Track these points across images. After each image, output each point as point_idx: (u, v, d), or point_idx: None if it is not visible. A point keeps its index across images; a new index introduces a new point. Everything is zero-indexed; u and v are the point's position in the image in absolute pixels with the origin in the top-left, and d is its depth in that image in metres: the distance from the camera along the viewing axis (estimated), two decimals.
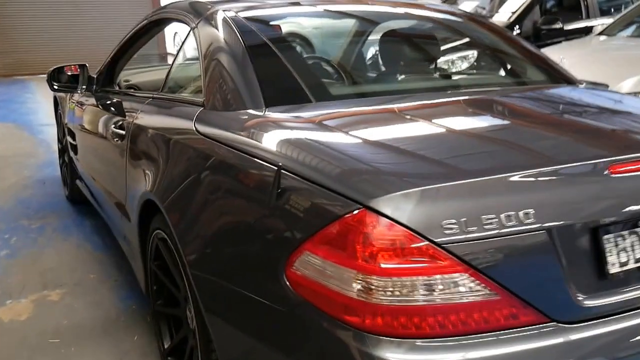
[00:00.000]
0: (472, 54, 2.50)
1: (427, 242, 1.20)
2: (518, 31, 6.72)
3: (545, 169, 1.34)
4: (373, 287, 1.20)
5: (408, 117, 1.82)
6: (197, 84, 2.16)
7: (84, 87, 3.15)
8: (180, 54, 2.53)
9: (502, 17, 7.06)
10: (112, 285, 2.99)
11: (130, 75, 3.52)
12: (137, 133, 2.35)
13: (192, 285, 1.72)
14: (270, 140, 1.61)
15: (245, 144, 1.64)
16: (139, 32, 2.96)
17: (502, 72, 2.46)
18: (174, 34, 13.99)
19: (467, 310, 1.21)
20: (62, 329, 2.60)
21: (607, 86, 2.37)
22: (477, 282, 1.21)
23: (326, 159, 1.44)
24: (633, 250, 1.36)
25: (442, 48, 2.49)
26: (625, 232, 1.36)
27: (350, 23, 2.69)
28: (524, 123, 1.77)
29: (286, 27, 2.48)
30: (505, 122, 1.83)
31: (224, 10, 2.20)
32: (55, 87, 3.19)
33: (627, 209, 1.36)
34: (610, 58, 4.82)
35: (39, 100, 9.17)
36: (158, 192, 2.00)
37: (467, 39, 2.61)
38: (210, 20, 2.20)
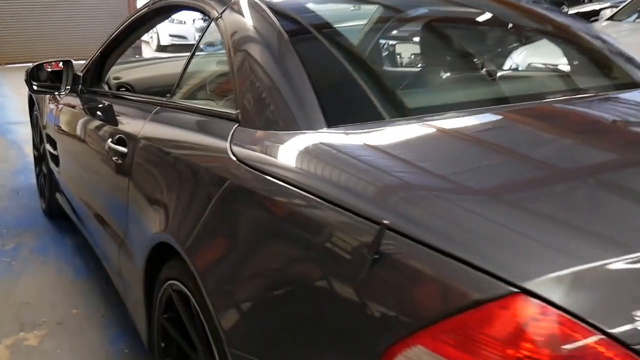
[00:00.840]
0: (558, 50, 2.05)
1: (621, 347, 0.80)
2: None
3: None
4: None
5: (534, 136, 1.39)
6: (224, 89, 1.69)
7: (69, 87, 2.69)
8: (198, 51, 2.04)
9: None
10: (99, 322, 2.60)
11: (119, 72, 3.04)
12: (146, 154, 1.87)
13: None
14: (358, 183, 1.17)
15: (314, 185, 1.19)
16: (137, 22, 2.47)
17: (596, 72, 1.99)
18: (193, 20, 13.06)
19: None
20: None
21: None
22: None
23: (452, 217, 1.01)
24: None
25: (529, 47, 2.04)
26: None
27: (423, 13, 2.18)
28: None
29: (342, 19, 1.96)
30: None
31: None
32: (35, 87, 2.74)
33: None
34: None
35: (6, 94, 8.55)
36: (179, 234, 1.54)
37: (550, 35, 2.15)
38: (240, 8, 1.73)
